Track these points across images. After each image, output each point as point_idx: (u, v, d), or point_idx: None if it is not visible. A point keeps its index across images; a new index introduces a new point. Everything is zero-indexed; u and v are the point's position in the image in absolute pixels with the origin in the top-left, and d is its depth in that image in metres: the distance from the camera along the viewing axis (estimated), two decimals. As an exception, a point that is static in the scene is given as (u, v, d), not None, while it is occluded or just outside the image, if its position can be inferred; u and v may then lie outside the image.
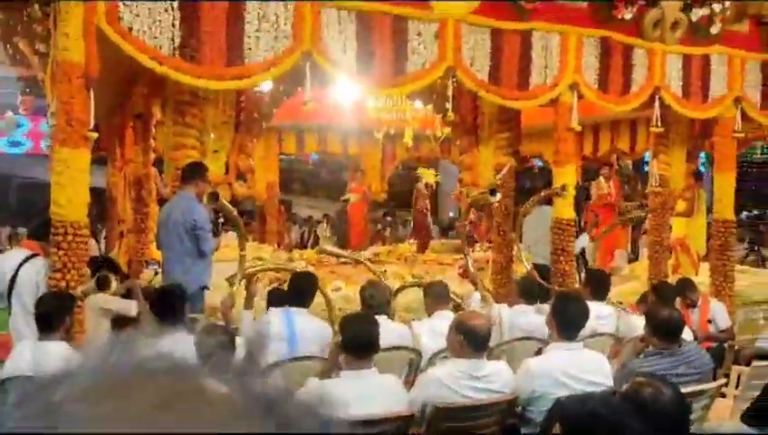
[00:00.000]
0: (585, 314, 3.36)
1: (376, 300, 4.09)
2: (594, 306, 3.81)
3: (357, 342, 2.94)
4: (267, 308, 4.50)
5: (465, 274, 5.39)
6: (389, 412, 2.86)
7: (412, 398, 3.09)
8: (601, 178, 8.87)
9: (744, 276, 7.62)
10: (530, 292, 4.70)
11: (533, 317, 4.46)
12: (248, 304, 4.22)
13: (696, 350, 3.43)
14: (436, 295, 4.30)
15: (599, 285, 4.71)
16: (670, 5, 5.90)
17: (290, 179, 21.71)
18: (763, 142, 10.06)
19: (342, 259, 6.35)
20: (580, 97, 5.78)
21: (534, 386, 3.11)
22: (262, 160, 10.73)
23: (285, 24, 4.63)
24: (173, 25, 4.32)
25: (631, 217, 6.97)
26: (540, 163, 12.18)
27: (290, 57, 4.65)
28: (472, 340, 3.06)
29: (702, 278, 6.94)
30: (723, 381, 3.71)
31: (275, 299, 4.60)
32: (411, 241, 11.00)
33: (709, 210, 7.67)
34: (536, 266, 6.12)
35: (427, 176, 11.87)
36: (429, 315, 4.28)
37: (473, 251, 8.57)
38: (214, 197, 4.13)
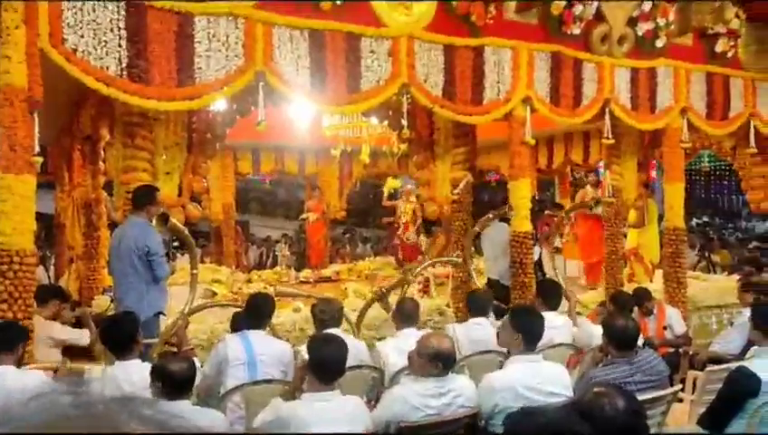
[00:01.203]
0: (542, 325, 3.41)
1: (327, 314, 4.11)
2: (547, 316, 3.87)
3: (325, 366, 2.92)
4: (232, 332, 4.44)
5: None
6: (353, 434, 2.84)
7: (375, 416, 3.08)
8: (588, 187, 8.98)
9: (696, 282, 7.86)
10: (480, 306, 4.75)
11: (488, 329, 4.51)
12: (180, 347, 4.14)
13: (652, 357, 3.51)
14: (406, 313, 4.30)
15: (551, 295, 4.79)
16: (617, 21, 6.09)
17: (246, 199, 21.54)
18: (709, 151, 10.39)
19: (299, 295, 6.35)
20: (534, 111, 5.91)
21: (496, 400, 3.13)
22: (217, 181, 10.63)
23: (236, 43, 4.62)
24: (119, 45, 4.26)
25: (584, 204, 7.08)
26: (495, 176, 12.40)
27: (242, 77, 4.64)
28: (439, 362, 3.08)
29: (656, 285, 7.12)
30: (679, 386, 3.80)
31: (236, 320, 4.54)
32: (374, 259, 11.01)
33: (661, 219, 7.89)
34: (492, 283, 6.18)
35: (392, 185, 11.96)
36: (397, 330, 4.28)
37: (432, 267, 8.63)
38: (163, 219, 4.06)
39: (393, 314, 4.43)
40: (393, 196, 11.43)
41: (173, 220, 4.16)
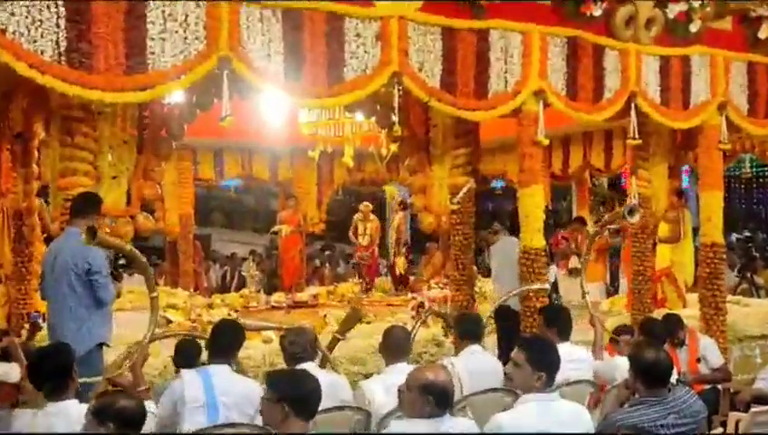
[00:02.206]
0: (559, 359, 3.39)
1: (298, 346, 4.10)
2: (563, 349, 3.85)
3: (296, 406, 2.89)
4: (175, 367, 4.38)
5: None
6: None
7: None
8: None
9: (737, 308, 7.88)
10: (470, 330, 4.73)
11: (485, 357, 4.50)
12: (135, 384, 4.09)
13: (688, 395, 3.50)
14: (394, 345, 4.26)
15: (562, 323, 4.77)
16: (644, 2, 6.13)
17: (208, 210, 21.45)
18: (751, 154, 10.46)
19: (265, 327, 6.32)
20: (547, 105, 5.92)
21: (506, 447, 3.11)
22: (173, 187, 10.60)
23: (197, 23, 4.59)
24: (57, 26, 4.22)
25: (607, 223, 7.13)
26: (501, 183, 12.44)
27: (203, 64, 4.61)
28: (431, 396, 3.03)
29: (691, 311, 7.14)
30: (719, 431, 3.79)
31: (186, 354, 4.50)
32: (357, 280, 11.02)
33: (695, 233, 7.92)
34: (500, 308, 6.17)
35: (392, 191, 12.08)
36: (386, 365, 4.24)
37: (427, 289, 8.64)
38: (91, 232, 4.00)
39: (380, 347, 4.39)
40: (405, 205, 11.51)
41: (101, 234, 4.09)
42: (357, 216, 11.67)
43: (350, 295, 9.82)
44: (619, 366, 4.24)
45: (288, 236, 11.24)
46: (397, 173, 11.69)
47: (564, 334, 4.68)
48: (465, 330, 4.77)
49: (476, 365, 4.48)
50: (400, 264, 11.18)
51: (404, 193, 11.47)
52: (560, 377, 3.48)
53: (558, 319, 4.83)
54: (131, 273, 12.57)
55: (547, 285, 5.77)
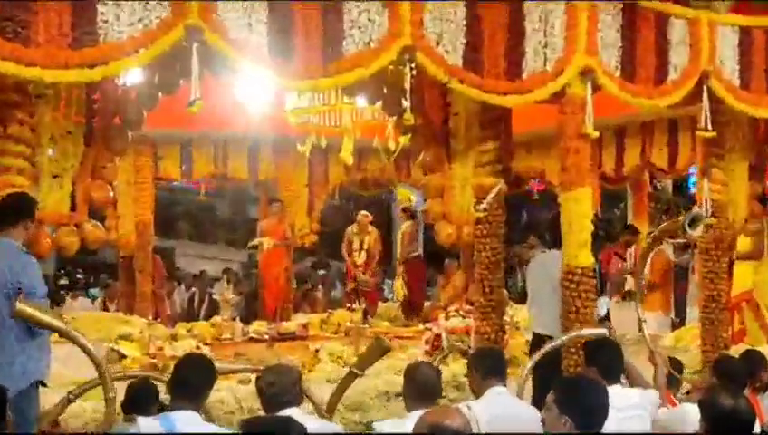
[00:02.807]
0: (600, 403, 3.40)
1: (278, 387, 4.09)
2: (614, 392, 3.85)
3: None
4: (125, 413, 4.36)
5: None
6: None
7: None
8: None
9: (838, 344, 7.84)
10: (492, 366, 4.71)
11: (511, 400, 4.51)
12: None
13: (775, 454, 3.49)
14: (422, 386, 4.24)
15: (607, 360, 4.75)
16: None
17: (171, 217, 21.47)
18: None
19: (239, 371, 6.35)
20: (597, 89, 5.92)
21: None
22: (128, 189, 10.60)
23: (160, -15, 4.63)
24: (-13, -11, 4.27)
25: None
26: (539, 186, 12.40)
27: (167, 34, 4.63)
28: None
29: (777, 347, 7.11)
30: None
31: (141, 398, 4.50)
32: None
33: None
34: (538, 339, 6.14)
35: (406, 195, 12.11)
36: (408, 411, 4.23)
37: (445, 318, 8.64)
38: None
39: (404, 389, 4.39)
40: (411, 213, 11.51)
41: (22, 306, 4.12)
42: (351, 228, 11.70)
43: (348, 325, 9.80)
44: (689, 415, 4.23)
45: (271, 251, 11.23)
46: (408, 172, 11.74)
47: (611, 375, 4.63)
48: (487, 367, 4.75)
49: (500, 410, 4.44)
50: (399, 287, 11.22)
51: (418, 198, 11.47)
52: (610, 427, 3.48)
53: (601, 355, 4.80)
54: (75, 295, 12.65)
55: (604, 330, 5.71)
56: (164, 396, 4.63)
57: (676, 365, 5.46)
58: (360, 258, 11.39)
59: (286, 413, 3.76)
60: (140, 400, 4.58)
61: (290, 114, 9.19)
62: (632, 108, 6.90)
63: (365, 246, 11.49)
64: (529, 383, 5.52)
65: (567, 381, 3.62)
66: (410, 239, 11.83)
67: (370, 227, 11.64)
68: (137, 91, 6.47)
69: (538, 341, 6.16)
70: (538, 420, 4.35)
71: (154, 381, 5.02)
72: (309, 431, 3.10)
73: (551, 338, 6.06)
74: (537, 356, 5.54)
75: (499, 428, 4.31)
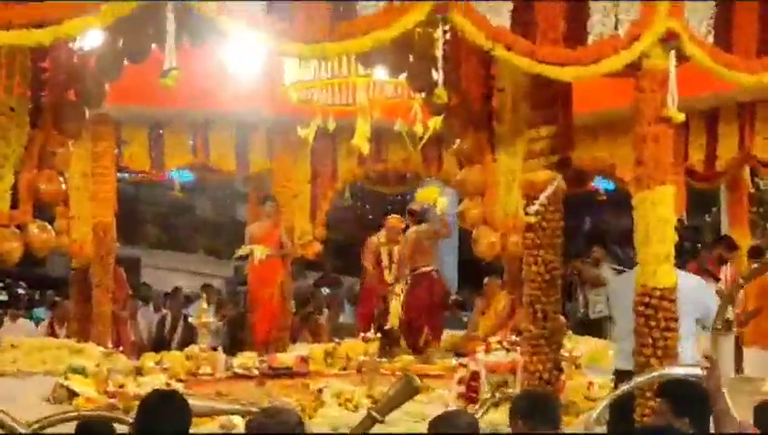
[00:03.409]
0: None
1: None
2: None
3: None
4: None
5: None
6: None
7: None
8: None
9: None
10: (542, 412, 4.73)
11: None
12: None
13: None
14: None
15: (700, 409, 4.75)
16: None
17: (138, 219, 21.55)
18: None
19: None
20: (683, 60, 5.90)
21: None
22: (84, 182, 10.68)
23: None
24: None
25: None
26: (607, 186, 12.39)
27: (135, -15, 4.66)
28: None
29: None
30: None
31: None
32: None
33: None
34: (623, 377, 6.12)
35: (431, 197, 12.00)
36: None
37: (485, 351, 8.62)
38: None
39: None
40: (421, 215, 11.42)
41: None
42: (377, 237, 11.62)
43: (362, 359, 9.78)
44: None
45: (263, 263, 11.28)
46: (439, 165, 11.74)
47: (701, 426, 4.64)
48: (536, 415, 4.76)
49: None
50: (394, 310, 11.14)
51: (451, 200, 11.38)
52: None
53: (693, 403, 4.80)
54: (15, 316, 12.67)
55: (698, 370, 5.68)
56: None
57: None
58: (392, 275, 11.35)
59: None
60: None
61: (289, 89, 9.19)
62: (728, 85, 6.86)
63: (395, 259, 11.44)
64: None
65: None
66: (418, 250, 11.57)
67: (402, 236, 11.57)
68: (96, 59, 6.48)
69: (622, 380, 6.12)
70: None
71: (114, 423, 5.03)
72: None
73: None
74: (613, 395, 5.53)
75: None
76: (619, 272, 10.77)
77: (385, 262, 11.45)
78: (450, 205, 11.43)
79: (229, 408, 6.38)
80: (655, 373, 5.68)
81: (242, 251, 11.61)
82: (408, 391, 5.54)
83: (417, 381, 5.53)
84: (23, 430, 4.55)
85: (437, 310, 11.83)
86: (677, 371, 5.60)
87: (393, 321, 11.28)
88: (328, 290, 17.01)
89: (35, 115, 6.26)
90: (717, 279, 10.02)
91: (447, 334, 12.14)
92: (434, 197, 11.82)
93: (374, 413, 5.47)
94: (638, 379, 5.74)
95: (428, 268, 11.74)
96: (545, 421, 4.71)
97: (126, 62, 6.45)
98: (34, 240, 6.24)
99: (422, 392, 6.06)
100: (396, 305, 11.30)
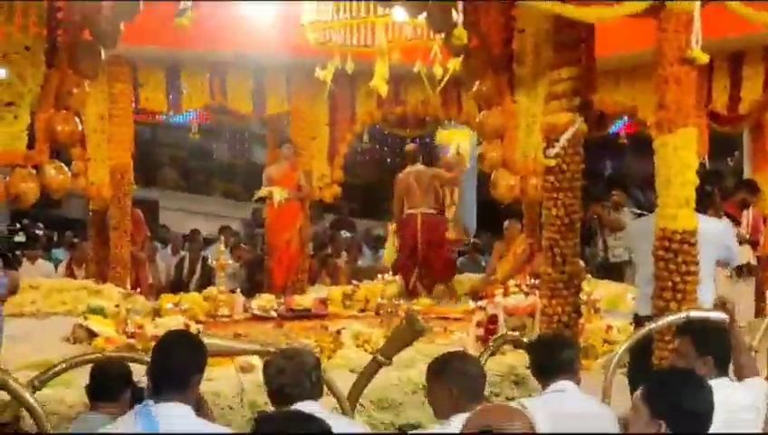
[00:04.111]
0: (707, 402, 3.40)
1: (289, 376, 4.15)
2: (721, 387, 3.86)
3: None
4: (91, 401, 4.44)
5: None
6: None
7: None
8: None
9: None
10: (557, 359, 4.78)
11: (578, 397, 4.56)
12: None
13: None
14: (466, 385, 4.25)
15: (724, 350, 4.78)
16: None
17: (155, 162, 21.55)
18: None
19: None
20: (707, 0, 5.84)
21: None
22: (101, 124, 10.71)
23: None
24: None
25: None
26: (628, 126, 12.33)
27: None
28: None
29: None
30: None
31: (110, 382, 4.57)
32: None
33: None
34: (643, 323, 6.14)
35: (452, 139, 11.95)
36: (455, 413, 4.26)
37: (504, 294, 8.67)
38: None
39: (430, 388, 4.42)
40: (413, 156, 11.41)
41: None
42: (408, 173, 11.57)
43: (380, 301, 9.84)
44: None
45: (282, 206, 11.30)
46: (458, 107, 11.71)
47: (723, 367, 4.68)
48: (551, 358, 4.83)
49: (560, 408, 4.51)
50: (389, 249, 11.14)
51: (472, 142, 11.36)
52: (717, 426, 3.48)
53: (716, 339, 4.84)
54: (33, 257, 12.76)
55: (723, 314, 5.70)
56: (139, 378, 4.70)
57: None
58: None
59: (298, 407, 3.80)
60: (109, 384, 4.63)
61: (306, 29, 9.16)
62: (754, 26, 6.81)
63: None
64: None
65: (665, 377, 3.59)
66: (421, 190, 11.68)
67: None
68: (112, -1, 6.47)
69: (642, 326, 6.15)
70: (613, 420, 4.42)
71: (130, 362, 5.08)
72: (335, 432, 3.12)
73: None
74: (631, 340, 5.56)
75: (559, 428, 4.36)
76: (640, 216, 10.77)
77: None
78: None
79: (248, 347, 6.43)
80: (675, 316, 5.71)
81: (261, 193, 11.65)
82: (411, 332, 5.56)
83: (419, 323, 5.55)
84: (27, 394, 4.57)
85: (437, 250, 11.89)
86: (699, 314, 5.63)
87: (387, 259, 11.34)
88: (346, 233, 17.07)
89: (51, 55, 6.26)
90: (738, 223, 10.00)
91: (466, 277, 12.20)
92: (454, 138, 11.82)
93: (379, 357, 5.50)
94: (660, 322, 5.77)
95: (432, 210, 11.83)
96: (561, 365, 4.76)
97: (142, 3, 6.45)
98: (51, 181, 6.25)
99: (426, 333, 6.08)
100: (390, 243, 11.35)
